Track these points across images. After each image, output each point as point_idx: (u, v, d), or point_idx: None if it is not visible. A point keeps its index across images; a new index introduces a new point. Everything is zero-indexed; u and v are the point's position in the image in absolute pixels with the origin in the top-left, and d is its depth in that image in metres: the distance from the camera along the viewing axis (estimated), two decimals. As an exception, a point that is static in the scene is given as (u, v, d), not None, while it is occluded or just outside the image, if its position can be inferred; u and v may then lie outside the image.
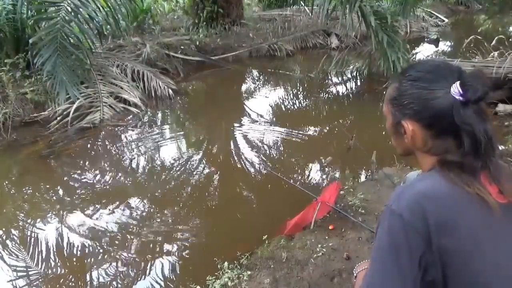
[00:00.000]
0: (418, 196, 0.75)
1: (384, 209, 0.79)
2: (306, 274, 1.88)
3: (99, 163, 3.63)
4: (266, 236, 2.26)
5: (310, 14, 8.03)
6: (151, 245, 2.50)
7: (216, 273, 2.01)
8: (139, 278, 2.23)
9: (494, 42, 4.49)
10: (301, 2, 8.12)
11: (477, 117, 0.78)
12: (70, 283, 2.22)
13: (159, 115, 4.93)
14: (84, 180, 3.36)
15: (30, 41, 4.21)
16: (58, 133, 4.01)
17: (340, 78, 5.97)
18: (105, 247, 2.50)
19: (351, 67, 6.36)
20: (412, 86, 0.84)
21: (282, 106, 5.07)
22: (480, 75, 0.80)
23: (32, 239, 2.59)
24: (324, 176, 3.23)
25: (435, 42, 8.10)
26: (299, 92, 5.71)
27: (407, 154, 0.92)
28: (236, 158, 3.64)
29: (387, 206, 0.78)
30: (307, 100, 5.44)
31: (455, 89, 0.78)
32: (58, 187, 3.30)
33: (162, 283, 2.21)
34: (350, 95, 5.39)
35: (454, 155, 0.79)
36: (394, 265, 0.73)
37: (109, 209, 2.86)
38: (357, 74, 6.07)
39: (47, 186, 3.29)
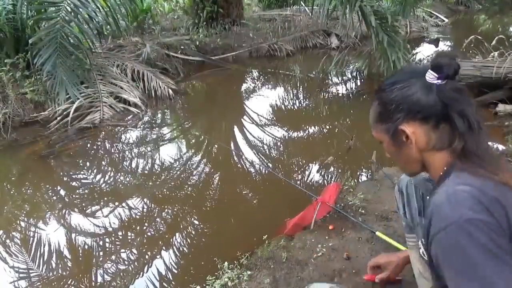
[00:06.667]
0: (472, 197, 0.71)
1: (441, 235, 0.72)
2: (306, 274, 1.88)
3: (99, 163, 3.63)
4: (266, 236, 2.26)
5: (310, 14, 8.04)
6: (151, 245, 2.50)
7: (216, 273, 2.01)
8: (138, 278, 2.23)
9: (494, 42, 4.49)
10: (301, 2, 8.12)
11: (459, 93, 0.81)
12: (69, 283, 2.22)
13: (159, 115, 4.93)
14: (84, 180, 3.36)
15: (30, 41, 4.20)
16: (58, 133, 4.02)
17: (340, 78, 5.97)
18: (105, 246, 2.51)
19: (351, 67, 6.36)
20: (392, 92, 0.86)
21: (282, 106, 5.07)
22: (446, 53, 0.84)
23: (32, 239, 2.59)
24: (324, 176, 3.23)
25: (435, 42, 8.09)
26: (299, 92, 5.71)
27: (418, 168, 0.89)
28: (236, 158, 3.63)
29: (445, 228, 0.71)
30: (307, 100, 5.44)
31: (430, 75, 0.82)
32: (58, 187, 3.30)
33: (162, 283, 2.21)
34: (350, 95, 5.39)
35: (458, 140, 0.80)
36: (502, 269, 0.67)
37: (109, 209, 2.86)
38: (357, 74, 6.07)
39: (47, 186, 3.29)
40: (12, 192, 3.21)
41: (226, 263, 2.04)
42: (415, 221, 1.20)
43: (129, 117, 4.50)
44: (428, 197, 0.95)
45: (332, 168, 3.30)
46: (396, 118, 0.85)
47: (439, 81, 0.81)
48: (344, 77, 6.01)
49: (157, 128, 4.48)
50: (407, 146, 0.86)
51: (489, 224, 0.68)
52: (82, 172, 3.49)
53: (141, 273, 2.26)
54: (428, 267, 0.86)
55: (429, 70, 0.83)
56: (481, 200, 0.70)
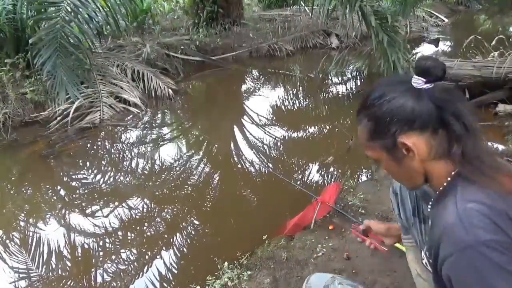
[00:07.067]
0: (483, 216, 0.70)
1: (455, 257, 0.70)
2: (306, 274, 1.88)
3: (99, 163, 3.63)
4: (266, 236, 2.26)
5: (310, 14, 8.03)
6: (151, 245, 2.50)
7: (216, 273, 2.01)
8: (138, 278, 2.23)
9: (494, 42, 4.48)
10: (301, 2, 8.12)
11: (449, 94, 0.79)
12: (69, 283, 2.22)
13: (159, 115, 4.93)
14: (84, 180, 3.36)
15: (30, 41, 4.20)
16: (58, 133, 4.01)
17: (340, 78, 5.97)
18: (105, 246, 2.51)
19: (351, 67, 6.36)
20: (381, 105, 0.81)
21: (282, 106, 5.07)
22: (427, 56, 0.83)
23: (32, 239, 2.59)
24: (324, 176, 3.23)
25: (435, 42, 8.09)
26: (299, 92, 5.71)
27: (421, 180, 0.85)
28: (236, 158, 3.63)
29: (460, 251, 0.69)
30: (307, 100, 5.44)
31: (417, 80, 0.80)
32: (58, 187, 3.30)
33: (162, 283, 2.21)
34: (350, 95, 5.38)
35: (456, 144, 0.78)
36: None
37: (109, 209, 2.86)
38: (357, 74, 6.07)
39: (47, 186, 3.29)
40: (12, 192, 3.21)
41: (226, 263, 2.04)
42: (409, 222, 1.20)
43: (129, 117, 4.50)
44: (430, 207, 0.90)
45: (332, 168, 3.30)
46: (393, 132, 0.80)
47: (428, 85, 0.79)
48: (344, 77, 6.01)
49: (157, 128, 4.48)
50: (409, 159, 0.81)
51: (504, 243, 0.67)
52: (82, 172, 3.49)
53: (141, 273, 2.26)
54: (432, 277, 0.83)
55: (415, 76, 0.80)
56: (492, 218, 0.69)
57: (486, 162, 0.78)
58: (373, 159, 0.88)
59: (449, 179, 0.80)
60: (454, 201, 0.75)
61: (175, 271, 2.29)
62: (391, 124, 0.80)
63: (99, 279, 2.23)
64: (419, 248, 1.18)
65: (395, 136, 0.80)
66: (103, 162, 3.67)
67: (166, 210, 2.86)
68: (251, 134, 4.13)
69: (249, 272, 1.95)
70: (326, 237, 2.14)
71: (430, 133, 0.80)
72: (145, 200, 2.96)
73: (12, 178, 3.44)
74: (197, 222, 2.72)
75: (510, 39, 4.96)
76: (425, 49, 7.73)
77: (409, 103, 0.79)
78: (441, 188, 0.82)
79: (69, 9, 4.06)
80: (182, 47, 6.28)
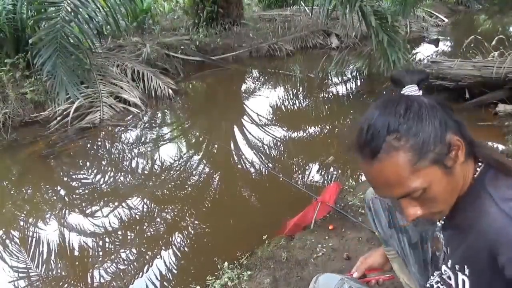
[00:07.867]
0: None
1: None
2: (306, 274, 1.88)
3: (99, 163, 3.63)
4: (266, 236, 2.26)
5: (310, 14, 8.03)
6: (151, 245, 2.50)
7: (216, 273, 2.01)
8: (138, 278, 2.23)
9: (494, 42, 4.48)
10: (301, 2, 8.12)
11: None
12: (69, 283, 2.22)
13: (159, 115, 4.93)
14: (84, 180, 3.36)
15: (30, 41, 4.20)
16: (58, 133, 4.02)
17: (340, 78, 5.97)
18: (105, 246, 2.51)
19: (351, 67, 6.36)
20: (415, 116, 0.73)
21: (282, 106, 5.06)
22: (401, 71, 0.87)
23: (32, 239, 2.59)
24: (324, 176, 3.23)
25: (435, 42, 8.09)
26: (299, 92, 5.71)
27: (458, 192, 0.79)
28: (236, 158, 3.63)
29: None
30: (307, 100, 5.44)
31: (412, 88, 0.80)
32: (58, 187, 3.30)
33: (162, 283, 2.21)
34: (350, 95, 5.38)
35: (466, 132, 0.78)
36: None
37: (109, 209, 2.86)
38: (357, 74, 6.07)
39: (47, 186, 3.29)
40: (12, 192, 3.21)
41: (226, 263, 2.04)
42: (387, 234, 1.19)
43: (129, 117, 4.50)
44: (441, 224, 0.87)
45: (332, 168, 3.29)
46: (440, 135, 0.72)
47: (421, 91, 0.80)
48: (344, 77, 6.01)
49: (157, 128, 4.48)
50: (456, 165, 0.74)
51: None
52: (82, 172, 3.49)
53: (141, 273, 2.26)
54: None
55: (408, 86, 0.80)
56: None
57: (500, 154, 0.79)
58: (417, 190, 0.73)
59: (474, 180, 0.78)
60: (493, 204, 0.71)
61: (175, 271, 2.29)
62: (440, 127, 0.73)
63: (99, 279, 2.23)
64: (401, 258, 1.18)
65: (445, 138, 0.73)
66: (103, 162, 3.67)
67: (166, 210, 2.86)
68: (251, 134, 4.13)
69: (249, 272, 1.95)
70: (326, 237, 2.14)
71: (454, 132, 0.76)
72: (145, 200, 2.96)
73: (12, 178, 3.44)
74: (197, 222, 2.72)
75: (510, 39, 4.96)
76: (425, 49, 7.73)
77: (436, 105, 0.76)
78: (465, 192, 0.79)
79: (69, 9, 4.06)
80: (182, 47, 6.29)
